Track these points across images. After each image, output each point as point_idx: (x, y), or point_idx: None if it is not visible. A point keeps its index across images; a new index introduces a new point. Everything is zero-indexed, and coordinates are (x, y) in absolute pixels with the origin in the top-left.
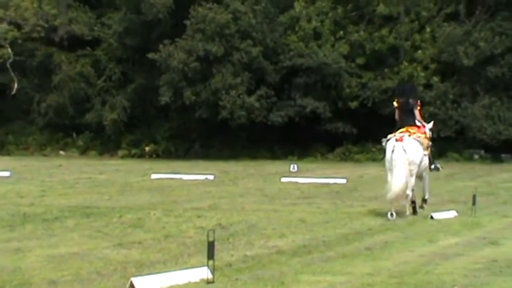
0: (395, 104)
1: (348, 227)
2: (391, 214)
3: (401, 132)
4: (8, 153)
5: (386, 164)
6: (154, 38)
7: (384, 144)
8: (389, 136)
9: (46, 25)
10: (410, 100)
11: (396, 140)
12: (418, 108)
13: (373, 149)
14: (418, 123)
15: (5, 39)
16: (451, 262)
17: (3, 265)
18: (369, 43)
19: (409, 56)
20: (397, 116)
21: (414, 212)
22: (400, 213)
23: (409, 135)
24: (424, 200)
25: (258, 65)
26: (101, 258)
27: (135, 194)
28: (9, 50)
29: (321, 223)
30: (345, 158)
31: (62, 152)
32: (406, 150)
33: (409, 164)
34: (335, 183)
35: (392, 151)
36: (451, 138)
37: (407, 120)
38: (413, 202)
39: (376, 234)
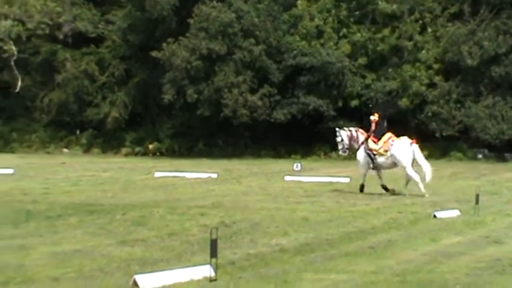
0: (376, 117)
1: (351, 226)
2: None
3: (391, 137)
4: (12, 151)
5: (406, 161)
6: (158, 35)
7: (389, 144)
8: (391, 139)
9: (51, 22)
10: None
11: (411, 144)
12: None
13: None
14: None
15: (9, 35)
16: (454, 261)
17: (7, 262)
18: (372, 44)
19: (412, 55)
20: (373, 127)
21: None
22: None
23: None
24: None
25: (261, 63)
26: (104, 255)
27: (138, 191)
28: (13, 47)
29: (324, 222)
30: (348, 156)
31: (65, 150)
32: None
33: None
34: (338, 182)
35: (413, 151)
36: (454, 137)
37: (382, 129)
38: None
39: (380, 233)
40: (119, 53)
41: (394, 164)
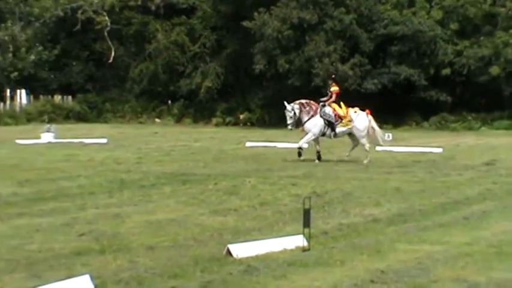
0: (337, 88)
1: (444, 196)
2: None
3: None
4: (105, 121)
5: (365, 131)
6: (249, 5)
7: (353, 116)
8: (354, 111)
9: None
10: None
11: (367, 115)
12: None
13: (469, 118)
14: None
15: (103, 7)
16: None
17: (103, 230)
18: (462, 8)
19: (505, 22)
20: (334, 98)
21: None
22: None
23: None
24: None
25: (351, 32)
26: (198, 224)
27: (230, 161)
28: (107, 18)
29: (417, 192)
30: (441, 126)
31: (157, 120)
32: None
33: None
34: (431, 152)
35: (369, 120)
36: None
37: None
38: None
39: (474, 203)
40: (209, 23)
41: (349, 134)
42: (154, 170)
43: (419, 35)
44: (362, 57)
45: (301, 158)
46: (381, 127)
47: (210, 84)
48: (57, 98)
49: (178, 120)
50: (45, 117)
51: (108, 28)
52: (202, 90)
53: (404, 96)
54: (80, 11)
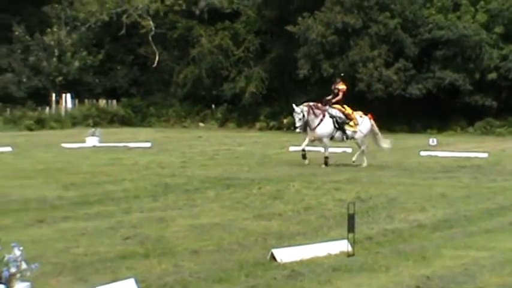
0: (345, 87)
1: (490, 202)
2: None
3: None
4: (150, 125)
5: (367, 135)
6: (293, 9)
7: (359, 120)
8: (359, 115)
9: None
10: None
11: (369, 118)
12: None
13: None
14: None
15: (148, 11)
16: None
17: (148, 234)
18: (508, 11)
19: None
20: (341, 96)
21: None
22: None
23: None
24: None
25: (396, 37)
26: (242, 229)
27: (273, 166)
28: (151, 23)
29: (463, 197)
30: (486, 131)
31: (201, 124)
32: None
33: None
34: (476, 158)
35: (372, 125)
36: None
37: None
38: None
39: None
40: (253, 27)
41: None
42: (199, 174)
43: (464, 39)
44: (406, 61)
45: (330, 163)
46: (424, 131)
47: (254, 90)
48: (102, 102)
49: (222, 124)
50: (90, 121)
51: (152, 32)
52: (247, 95)
53: (449, 101)
54: (125, 16)
